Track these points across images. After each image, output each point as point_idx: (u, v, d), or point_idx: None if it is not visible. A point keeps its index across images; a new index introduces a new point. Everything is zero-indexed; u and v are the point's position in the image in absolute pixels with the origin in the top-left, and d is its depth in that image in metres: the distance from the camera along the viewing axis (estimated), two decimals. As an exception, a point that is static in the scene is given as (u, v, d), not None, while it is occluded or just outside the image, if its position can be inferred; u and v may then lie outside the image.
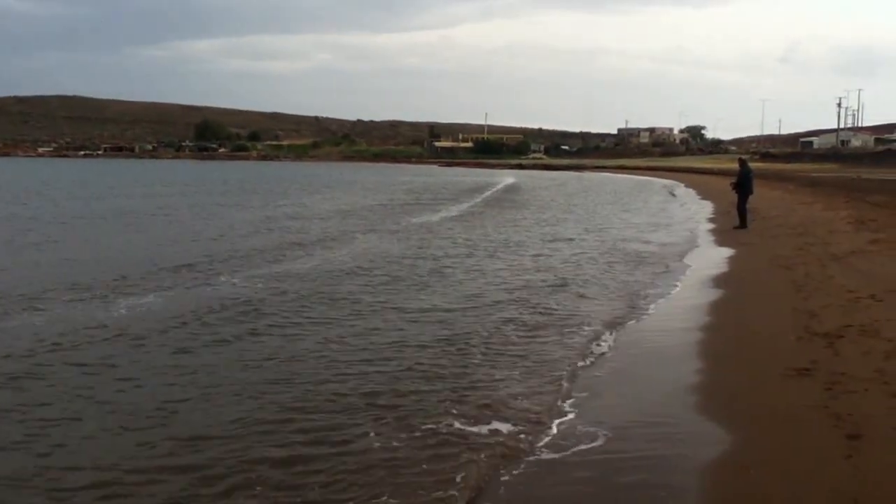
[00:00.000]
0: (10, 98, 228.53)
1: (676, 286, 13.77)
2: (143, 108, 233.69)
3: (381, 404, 7.21)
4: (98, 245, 19.63)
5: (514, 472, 5.85)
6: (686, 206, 36.66)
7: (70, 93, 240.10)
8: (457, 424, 6.68)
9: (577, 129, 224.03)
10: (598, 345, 9.57)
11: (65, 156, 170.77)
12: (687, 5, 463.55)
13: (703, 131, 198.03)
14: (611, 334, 10.13)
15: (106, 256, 17.36)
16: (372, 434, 6.48)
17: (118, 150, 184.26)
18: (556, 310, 11.59)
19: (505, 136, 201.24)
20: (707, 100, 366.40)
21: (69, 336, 9.67)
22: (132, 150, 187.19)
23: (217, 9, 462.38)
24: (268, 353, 9.13)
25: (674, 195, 47.44)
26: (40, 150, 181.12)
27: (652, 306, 12.04)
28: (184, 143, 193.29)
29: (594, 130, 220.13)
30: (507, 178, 76.11)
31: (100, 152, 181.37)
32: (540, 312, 11.40)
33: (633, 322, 10.89)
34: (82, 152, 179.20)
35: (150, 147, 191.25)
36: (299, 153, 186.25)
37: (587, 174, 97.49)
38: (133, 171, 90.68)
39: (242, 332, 10.11)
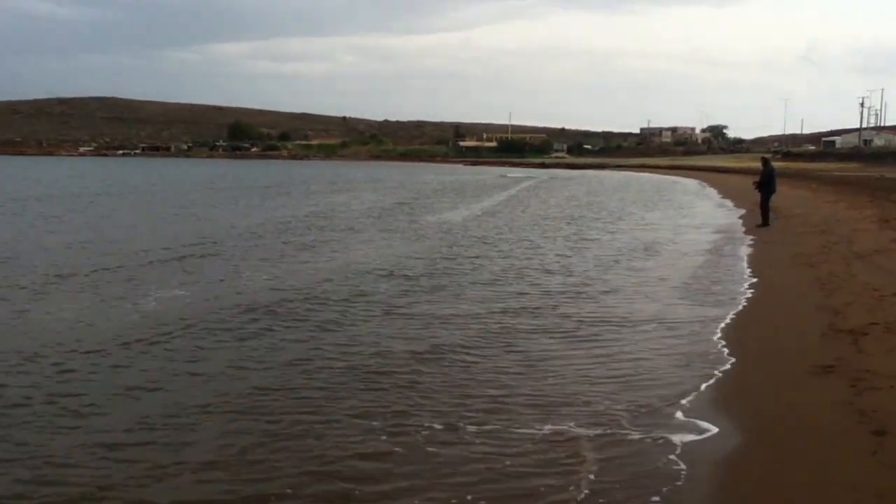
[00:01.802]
0: (52, 100, 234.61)
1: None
2: (178, 108, 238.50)
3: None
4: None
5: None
6: (707, 205, 37.02)
7: (108, 94, 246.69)
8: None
9: (599, 129, 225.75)
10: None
11: (104, 155, 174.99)
12: (705, 5, 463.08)
13: (724, 130, 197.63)
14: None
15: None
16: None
17: (155, 150, 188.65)
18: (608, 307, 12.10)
19: (528, 136, 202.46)
20: (729, 99, 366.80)
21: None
22: (168, 149, 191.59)
23: (246, 13, 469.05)
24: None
25: (695, 194, 48.00)
26: (81, 149, 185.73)
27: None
28: (217, 143, 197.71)
29: (616, 130, 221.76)
30: (529, 178, 77.42)
31: (137, 152, 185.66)
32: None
33: (655, 322, 10.76)
34: (121, 152, 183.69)
35: (185, 147, 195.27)
36: (328, 153, 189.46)
37: (607, 173, 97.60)
38: (184, 170, 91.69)
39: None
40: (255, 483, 5.69)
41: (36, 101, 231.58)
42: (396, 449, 6.30)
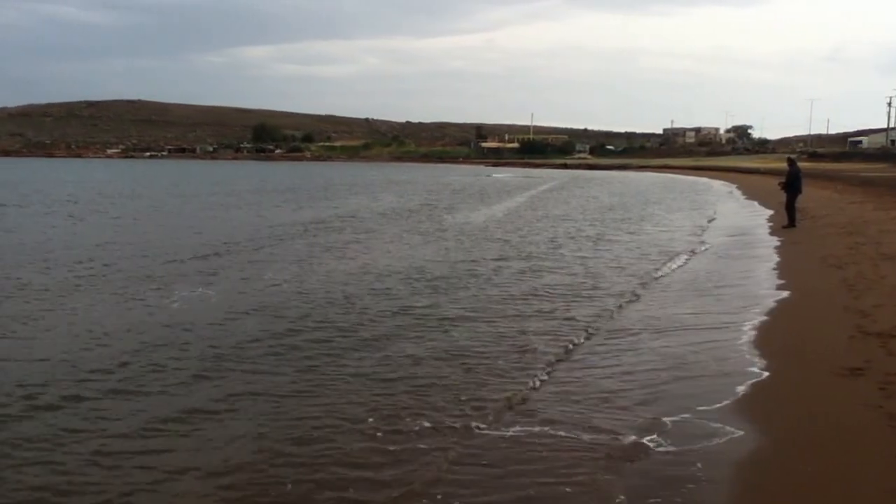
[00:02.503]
0: (81, 102, 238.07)
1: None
2: (203, 111, 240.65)
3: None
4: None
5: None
6: (733, 205, 36.92)
7: (136, 97, 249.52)
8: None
9: (622, 130, 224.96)
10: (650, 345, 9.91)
11: (132, 157, 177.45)
12: (729, 5, 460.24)
13: (749, 131, 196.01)
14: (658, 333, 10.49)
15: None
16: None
17: (181, 152, 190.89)
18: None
19: (550, 137, 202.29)
20: (753, 99, 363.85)
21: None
22: (194, 151, 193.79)
23: (270, 17, 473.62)
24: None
25: (720, 194, 47.82)
26: (109, 151, 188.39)
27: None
28: (242, 145, 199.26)
29: (639, 130, 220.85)
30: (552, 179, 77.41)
31: (164, 153, 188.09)
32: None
33: (683, 327, 10.83)
34: (148, 154, 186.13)
35: (210, 148, 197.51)
36: (351, 154, 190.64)
37: (630, 174, 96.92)
38: (215, 172, 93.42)
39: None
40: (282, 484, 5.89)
41: (66, 104, 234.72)
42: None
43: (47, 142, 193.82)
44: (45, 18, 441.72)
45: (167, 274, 15.56)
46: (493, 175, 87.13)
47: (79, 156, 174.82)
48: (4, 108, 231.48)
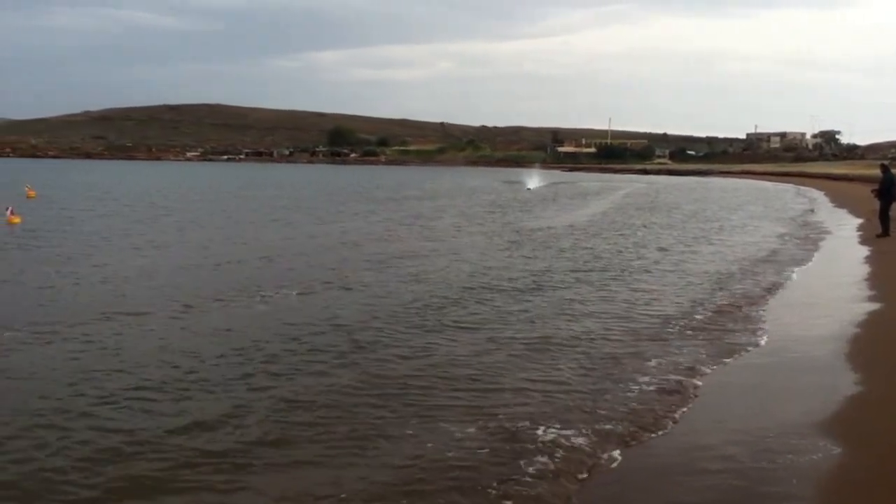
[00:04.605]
0: (162, 107, 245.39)
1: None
2: (280, 115, 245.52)
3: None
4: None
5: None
6: (822, 214, 35.85)
7: (214, 101, 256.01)
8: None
9: (703, 134, 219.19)
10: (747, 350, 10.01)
11: (210, 160, 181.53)
12: (813, 7, 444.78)
13: (837, 136, 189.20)
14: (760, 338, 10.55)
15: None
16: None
17: (258, 155, 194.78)
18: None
19: (629, 142, 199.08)
20: (840, 103, 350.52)
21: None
22: (270, 154, 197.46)
23: (343, 22, 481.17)
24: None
25: (809, 200, 46.87)
26: (188, 154, 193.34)
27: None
28: (317, 149, 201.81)
29: (721, 135, 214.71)
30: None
31: (241, 157, 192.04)
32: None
33: (775, 340, 10.59)
34: (225, 157, 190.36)
35: (286, 152, 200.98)
36: (426, 158, 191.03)
37: (714, 180, 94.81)
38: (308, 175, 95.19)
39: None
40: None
41: (147, 108, 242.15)
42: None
43: (128, 144, 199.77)
44: (126, 24, 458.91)
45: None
46: (581, 183, 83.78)
47: (158, 158, 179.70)
48: (87, 112, 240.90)
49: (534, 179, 69.15)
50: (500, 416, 7.35)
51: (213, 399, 7.91)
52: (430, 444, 6.67)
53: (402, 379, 8.59)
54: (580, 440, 6.80)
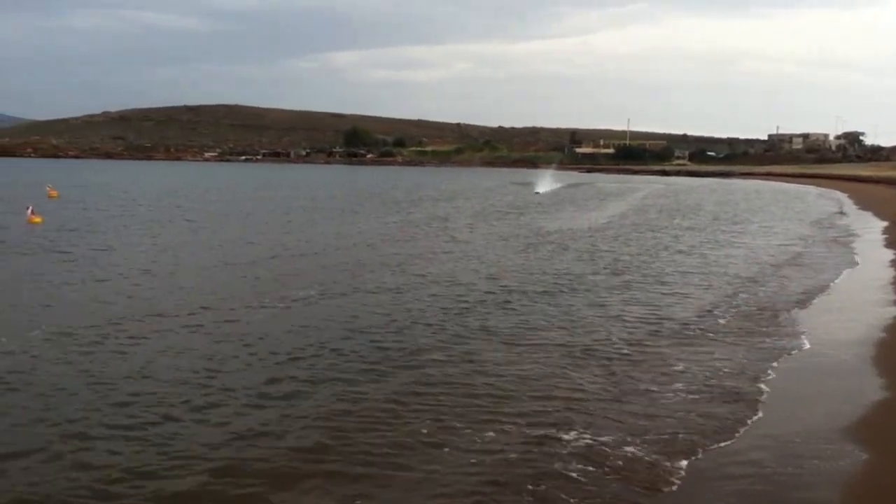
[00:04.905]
0: (181, 107, 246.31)
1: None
2: (297, 116, 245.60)
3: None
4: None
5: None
6: (849, 217, 35.24)
7: (232, 102, 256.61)
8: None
9: (723, 135, 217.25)
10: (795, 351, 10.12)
11: (228, 160, 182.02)
12: (835, 7, 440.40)
13: (861, 137, 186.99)
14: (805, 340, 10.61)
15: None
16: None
17: (275, 156, 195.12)
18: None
19: (647, 142, 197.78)
20: (865, 104, 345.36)
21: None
22: (287, 155, 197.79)
23: (360, 23, 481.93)
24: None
25: (832, 202, 46.58)
26: (206, 154, 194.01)
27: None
28: (334, 150, 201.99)
29: (742, 136, 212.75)
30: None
31: (259, 157, 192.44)
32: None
33: (801, 344, 10.61)
34: (243, 157, 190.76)
35: (303, 152, 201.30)
36: (443, 159, 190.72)
37: (736, 181, 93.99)
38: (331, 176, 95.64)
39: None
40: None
41: (166, 109, 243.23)
42: None
43: (147, 145, 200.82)
44: (146, 26, 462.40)
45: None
46: (599, 184, 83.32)
47: (178, 159, 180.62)
48: (107, 113, 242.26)
49: (546, 181, 65.79)
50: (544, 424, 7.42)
51: (240, 406, 7.87)
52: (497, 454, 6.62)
53: (448, 386, 8.56)
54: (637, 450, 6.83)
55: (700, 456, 6.65)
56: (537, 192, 56.12)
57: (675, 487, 6.07)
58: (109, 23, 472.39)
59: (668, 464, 6.44)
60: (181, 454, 6.61)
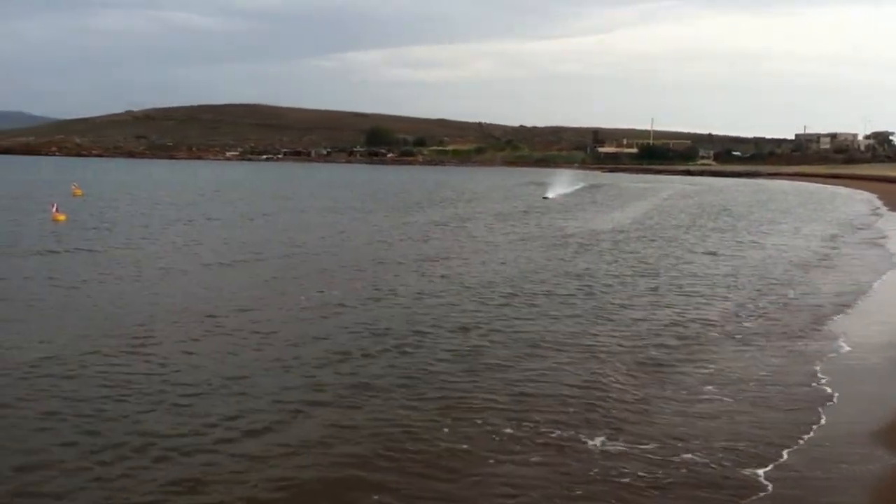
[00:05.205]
0: (203, 107, 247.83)
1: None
2: (317, 115, 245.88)
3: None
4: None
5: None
6: (883, 217, 35.30)
7: (254, 101, 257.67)
8: None
9: (749, 135, 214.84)
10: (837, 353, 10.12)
11: (249, 159, 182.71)
12: (864, 5, 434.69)
13: (890, 137, 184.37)
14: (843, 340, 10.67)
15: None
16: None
17: (296, 155, 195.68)
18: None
19: (671, 142, 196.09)
20: (894, 104, 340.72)
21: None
22: (308, 154, 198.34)
23: (380, 22, 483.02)
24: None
25: (862, 203, 46.17)
26: (228, 154, 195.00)
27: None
28: (355, 149, 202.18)
29: (769, 136, 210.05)
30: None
31: (280, 156, 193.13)
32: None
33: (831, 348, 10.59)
34: (264, 156, 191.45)
35: (324, 152, 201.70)
36: (463, 158, 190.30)
37: (763, 182, 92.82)
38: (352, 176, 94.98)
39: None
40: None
41: (188, 108, 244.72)
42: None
43: (169, 144, 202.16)
44: (169, 26, 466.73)
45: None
46: (622, 184, 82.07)
47: (199, 158, 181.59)
48: (130, 112, 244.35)
49: (562, 183, 58.80)
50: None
51: (264, 403, 7.93)
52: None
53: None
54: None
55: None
56: (546, 198, 48.00)
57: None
58: (134, 23, 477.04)
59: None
60: (232, 467, 6.47)
